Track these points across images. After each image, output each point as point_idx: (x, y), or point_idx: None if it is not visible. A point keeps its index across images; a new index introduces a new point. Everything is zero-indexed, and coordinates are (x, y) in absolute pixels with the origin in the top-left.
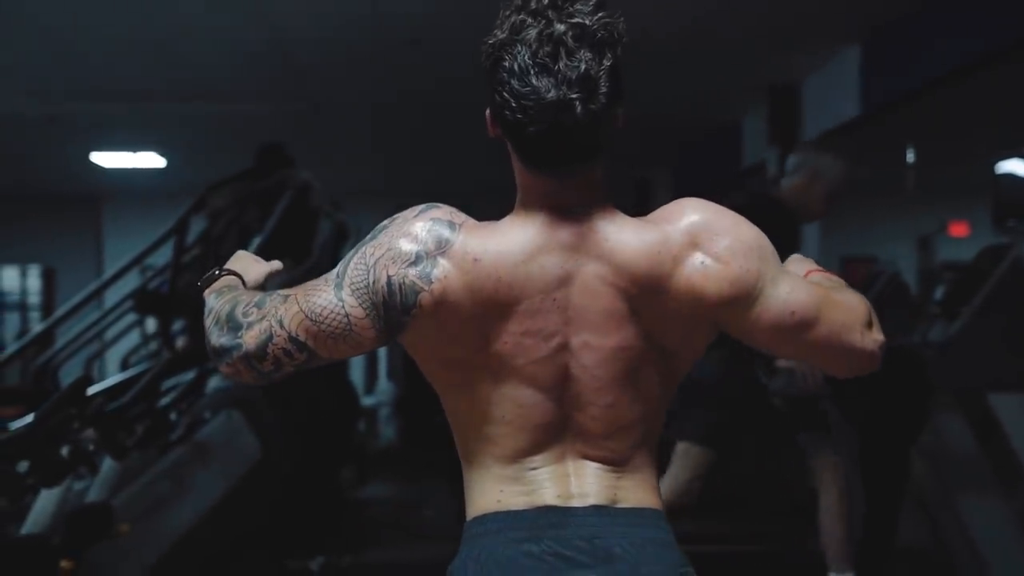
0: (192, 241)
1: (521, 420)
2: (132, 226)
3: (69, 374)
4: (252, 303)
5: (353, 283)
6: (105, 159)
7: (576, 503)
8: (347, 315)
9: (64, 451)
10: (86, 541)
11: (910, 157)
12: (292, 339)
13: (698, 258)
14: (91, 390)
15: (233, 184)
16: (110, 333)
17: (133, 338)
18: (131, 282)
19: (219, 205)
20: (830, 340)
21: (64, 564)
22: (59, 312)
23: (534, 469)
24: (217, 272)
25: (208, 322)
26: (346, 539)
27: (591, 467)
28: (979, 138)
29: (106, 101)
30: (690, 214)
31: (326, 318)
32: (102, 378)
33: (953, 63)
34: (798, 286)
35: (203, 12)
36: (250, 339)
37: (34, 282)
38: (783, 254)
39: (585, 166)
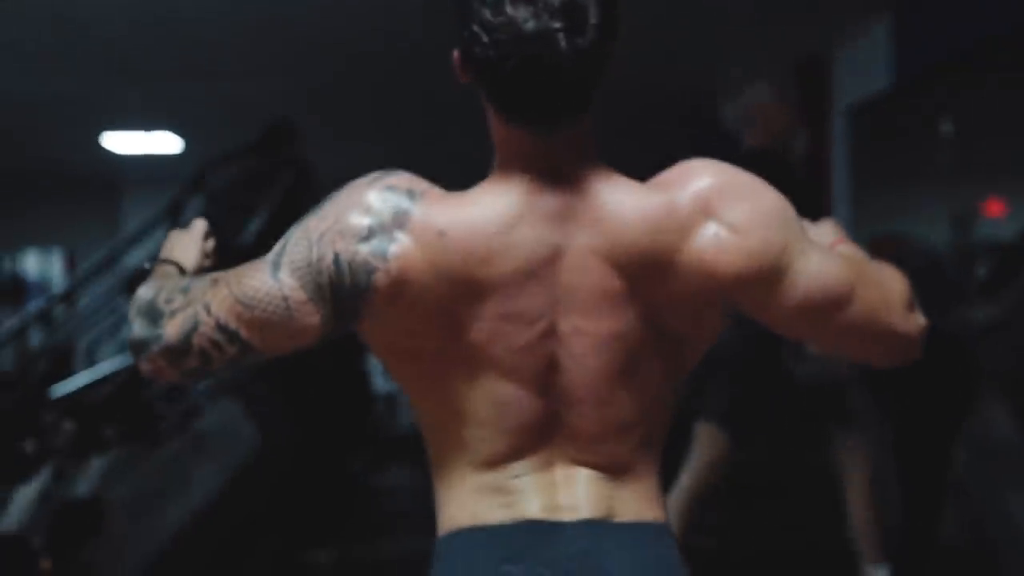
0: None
1: (500, 420)
2: (151, 208)
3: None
4: (177, 288)
5: (293, 261)
6: (118, 140)
7: (565, 516)
8: (286, 298)
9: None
10: (75, 538)
11: (946, 131)
12: (221, 328)
13: (711, 228)
14: (77, 380)
15: (233, 162)
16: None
17: None
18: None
19: (218, 185)
20: (866, 322)
21: (44, 565)
22: (35, 304)
23: (516, 477)
24: (147, 265)
25: (131, 314)
26: (360, 529)
27: (583, 474)
28: (1018, 111)
29: (117, 77)
30: (701, 177)
31: (260, 301)
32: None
33: (990, 32)
34: (829, 259)
35: None
36: (171, 329)
37: (57, 266)
38: (799, 199)
39: (573, 116)
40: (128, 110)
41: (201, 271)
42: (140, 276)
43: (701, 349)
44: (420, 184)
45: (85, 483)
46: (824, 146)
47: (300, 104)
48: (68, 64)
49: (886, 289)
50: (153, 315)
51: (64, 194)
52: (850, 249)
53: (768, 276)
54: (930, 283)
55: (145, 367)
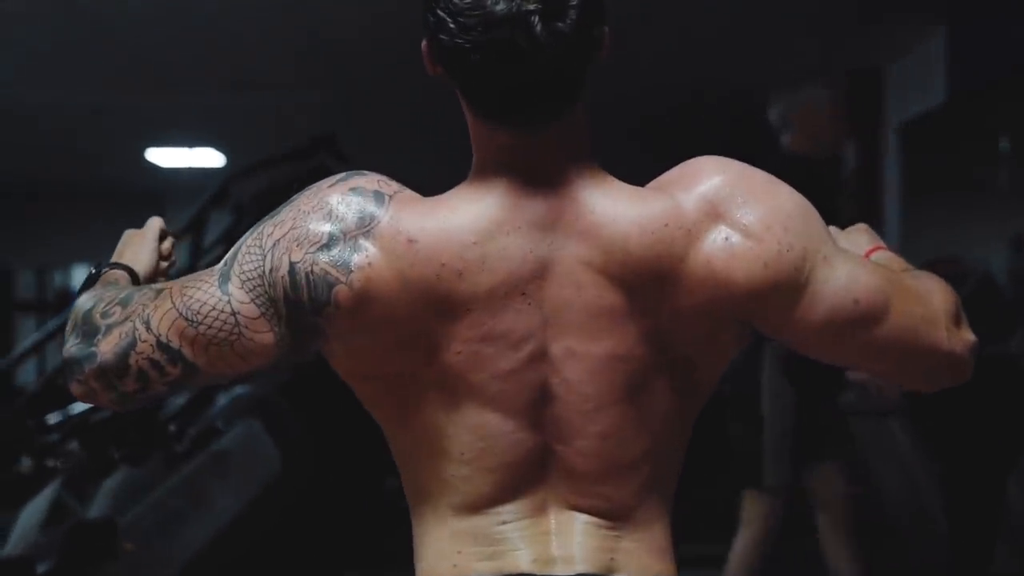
0: (216, 239)
1: (484, 457)
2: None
3: None
4: (116, 300)
5: (244, 272)
6: (161, 155)
7: (559, 570)
8: (234, 313)
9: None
10: (86, 561)
11: (1003, 147)
12: (162, 346)
13: (721, 233)
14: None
15: (260, 173)
16: None
17: None
18: None
19: (244, 199)
20: (905, 340)
21: None
22: (62, 316)
23: (504, 524)
24: (94, 270)
25: (67, 328)
26: (390, 552)
27: (580, 521)
28: None
29: (160, 92)
30: (709, 176)
31: (206, 317)
32: None
33: None
34: (859, 266)
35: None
36: (106, 347)
37: None
38: (824, 212)
39: (556, 110)
40: (171, 125)
41: (157, 276)
42: (87, 283)
43: (715, 374)
44: (390, 186)
45: (98, 504)
46: (876, 162)
47: (343, 119)
48: (111, 80)
49: (928, 301)
50: (88, 330)
51: (111, 209)
52: (887, 256)
53: (788, 287)
54: (986, 308)
55: (77, 390)
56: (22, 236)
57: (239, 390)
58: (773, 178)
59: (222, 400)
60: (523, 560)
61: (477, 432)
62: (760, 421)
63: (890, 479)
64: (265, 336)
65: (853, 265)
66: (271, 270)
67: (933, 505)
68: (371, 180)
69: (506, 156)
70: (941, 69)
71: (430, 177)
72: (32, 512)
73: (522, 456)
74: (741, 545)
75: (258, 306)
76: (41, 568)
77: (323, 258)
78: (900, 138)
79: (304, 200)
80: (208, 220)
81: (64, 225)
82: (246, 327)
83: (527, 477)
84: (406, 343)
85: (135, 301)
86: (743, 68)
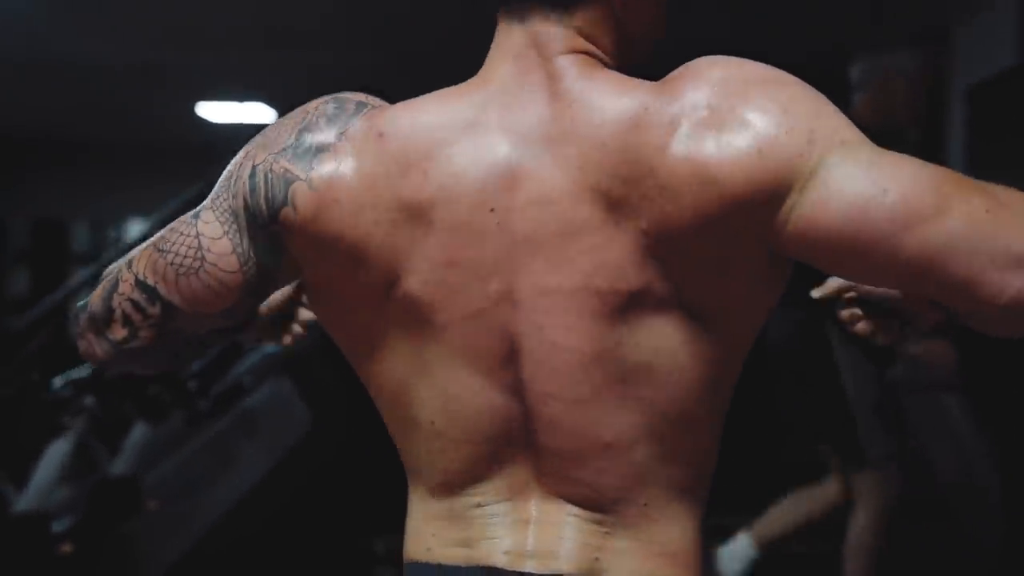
0: None
1: (456, 423)
2: None
3: None
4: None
5: (215, 193)
6: (212, 110)
7: (531, 567)
8: (199, 235)
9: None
10: (108, 518)
11: None
12: (139, 284)
13: (711, 124)
14: None
15: None
16: None
17: None
18: None
19: None
20: (963, 248)
21: (65, 549)
22: (81, 275)
23: (479, 507)
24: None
25: None
26: None
27: (564, 511)
28: None
29: (211, 46)
30: (707, 68)
31: (174, 244)
32: None
33: None
34: (893, 156)
35: None
36: (95, 294)
37: None
38: None
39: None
40: (222, 80)
41: None
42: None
43: (741, 329)
44: (377, 101)
45: (122, 461)
46: (940, 130)
47: (394, 78)
48: (162, 34)
49: (998, 210)
50: (93, 285)
51: (163, 163)
52: None
53: (790, 176)
54: None
55: (80, 346)
56: (77, 191)
57: (270, 348)
58: (783, 72)
59: (252, 357)
60: (497, 550)
61: (445, 390)
62: (843, 400)
63: (944, 456)
64: (228, 259)
65: (880, 152)
66: (235, 179)
67: (988, 483)
68: (359, 95)
69: (505, 51)
70: (1012, 30)
71: None
72: (48, 467)
73: (494, 424)
74: (858, 525)
75: (221, 223)
76: (57, 526)
77: (285, 157)
78: (967, 104)
79: (286, 116)
80: None
81: (117, 179)
82: (208, 250)
83: (501, 451)
84: (368, 265)
85: (135, 248)
86: (799, 24)
